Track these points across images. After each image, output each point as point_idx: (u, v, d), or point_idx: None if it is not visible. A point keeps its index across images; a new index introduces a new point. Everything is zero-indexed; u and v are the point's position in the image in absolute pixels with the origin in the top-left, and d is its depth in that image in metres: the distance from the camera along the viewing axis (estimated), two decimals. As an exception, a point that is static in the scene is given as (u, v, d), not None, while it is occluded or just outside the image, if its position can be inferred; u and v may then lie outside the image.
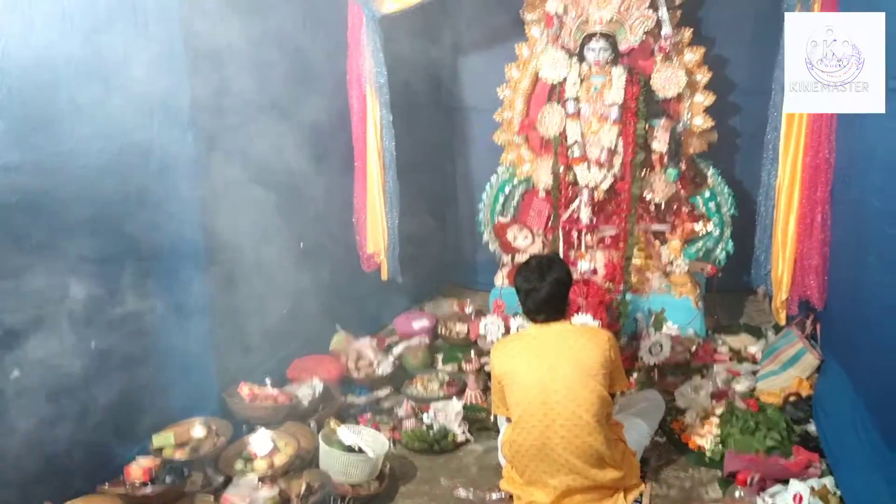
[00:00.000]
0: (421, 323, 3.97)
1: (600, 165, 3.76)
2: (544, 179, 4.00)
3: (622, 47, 3.74)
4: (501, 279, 4.06)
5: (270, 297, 3.22)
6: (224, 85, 2.86)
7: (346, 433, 2.72)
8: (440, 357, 3.77)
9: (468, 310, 4.14)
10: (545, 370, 2.36)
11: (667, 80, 3.71)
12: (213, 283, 2.90)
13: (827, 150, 2.96)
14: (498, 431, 2.79)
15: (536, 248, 4.09)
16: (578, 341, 2.42)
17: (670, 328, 3.66)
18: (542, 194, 4.08)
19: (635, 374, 3.40)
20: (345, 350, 3.58)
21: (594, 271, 3.77)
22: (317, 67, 3.43)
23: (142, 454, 2.63)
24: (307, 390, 3.08)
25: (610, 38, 3.69)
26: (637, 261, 3.93)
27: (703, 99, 3.88)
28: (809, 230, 3.09)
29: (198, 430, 2.80)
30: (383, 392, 3.37)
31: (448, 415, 3.05)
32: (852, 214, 2.73)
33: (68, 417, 2.38)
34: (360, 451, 2.68)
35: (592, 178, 3.80)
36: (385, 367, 3.47)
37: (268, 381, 3.08)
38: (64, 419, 2.37)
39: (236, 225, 2.97)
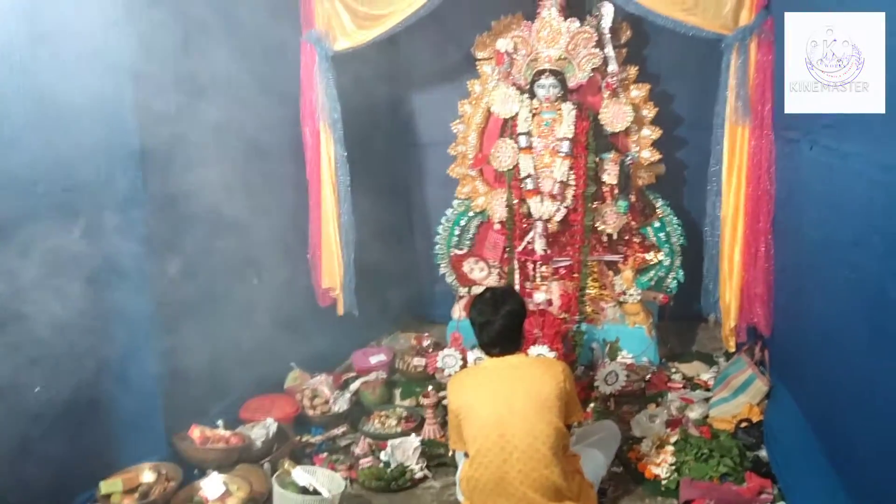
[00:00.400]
0: (378, 358, 3.94)
1: (553, 198, 3.83)
2: (499, 212, 4.06)
3: (571, 84, 3.84)
4: (459, 312, 4.06)
5: (223, 335, 3.16)
6: (174, 123, 2.84)
7: (301, 474, 2.66)
8: (398, 392, 3.73)
9: (426, 343, 4.12)
10: (501, 403, 2.36)
11: (615, 116, 3.83)
12: (161, 322, 2.83)
13: (767, 183, 3.08)
14: (456, 467, 2.77)
15: (493, 280, 4.12)
16: (534, 373, 2.43)
17: (625, 357, 3.71)
18: (497, 226, 4.15)
19: (592, 404, 3.43)
20: (300, 388, 3.52)
21: (550, 302, 3.82)
22: (270, 104, 3.43)
23: (90, 502, 2.52)
24: (260, 431, 3.01)
25: (559, 75, 3.79)
26: (591, 291, 3.99)
27: (650, 133, 4.01)
28: (754, 259, 3.20)
29: (147, 475, 2.71)
30: (340, 430, 3.31)
31: (406, 451, 3.02)
32: (792, 244, 2.83)
33: (11, 466, 2.29)
34: (316, 492, 2.62)
35: (546, 210, 3.86)
36: (341, 404, 3.42)
37: (220, 422, 3.00)
38: (6, 468, 2.27)
39: (187, 262, 2.92)
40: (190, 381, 2.99)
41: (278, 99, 3.51)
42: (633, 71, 4.01)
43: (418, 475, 2.95)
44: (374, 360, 3.92)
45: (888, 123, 1.84)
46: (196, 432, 2.90)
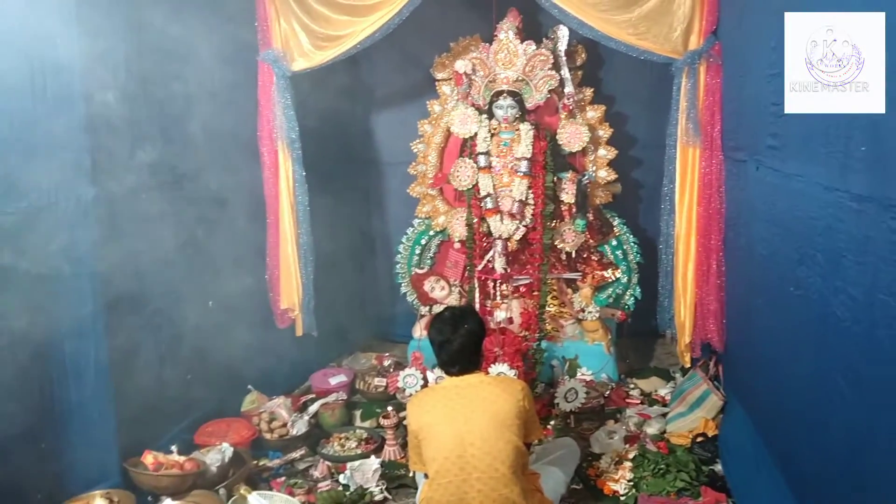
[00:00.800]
0: (338, 379, 3.90)
1: (512, 217, 3.87)
2: (459, 231, 4.09)
3: (529, 105, 3.90)
4: (420, 331, 4.05)
5: (177, 359, 3.10)
6: (128, 144, 2.81)
7: (257, 499, 2.62)
8: (358, 413, 3.70)
9: (387, 363, 4.10)
10: (461, 423, 2.35)
11: (572, 136, 3.89)
12: (114, 346, 2.76)
13: (718, 202, 3.16)
14: (416, 488, 2.74)
15: (453, 299, 4.13)
16: (493, 392, 2.43)
17: (584, 374, 3.75)
18: (457, 245, 4.16)
19: (552, 422, 3.45)
20: (257, 411, 3.46)
21: (510, 320, 3.84)
22: (227, 124, 3.41)
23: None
24: (216, 456, 2.95)
25: (517, 96, 3.85)
26: (551, 309, 4.03)
27: (606, 153, 4.09)
28: (706, 276, 3.27)
29: (99, 502, 2.63)
30: (298, 453, 3.26)
31: (365, 473, 2.99)
32: (743, 261, 2.91)
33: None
34: (273, 517, 2.57)
35: (505, 229, 3.90)
36: (300, 427, 3.37)
37: (174, 448, 2.93)
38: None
39: (141, 284, 2.87)
40: (143, 406, 2.93)
41: (235, 118, 3.48)
42: (588, 92, 4.09)
43: (378, 497, 2.92)
44: (333, 381, 3.88)
45: (827, 144, 1.92)
46: (149, 458, 2.83)
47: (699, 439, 3.12)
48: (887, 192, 1.57)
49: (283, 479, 3.07)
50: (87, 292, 2.67)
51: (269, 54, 3.57)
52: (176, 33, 3.02)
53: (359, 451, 3.27)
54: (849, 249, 1.78)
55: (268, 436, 3.33)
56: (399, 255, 4.39)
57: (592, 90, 4.10)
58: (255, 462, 3.16)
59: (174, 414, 3.17)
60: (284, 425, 3.38)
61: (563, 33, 3.82)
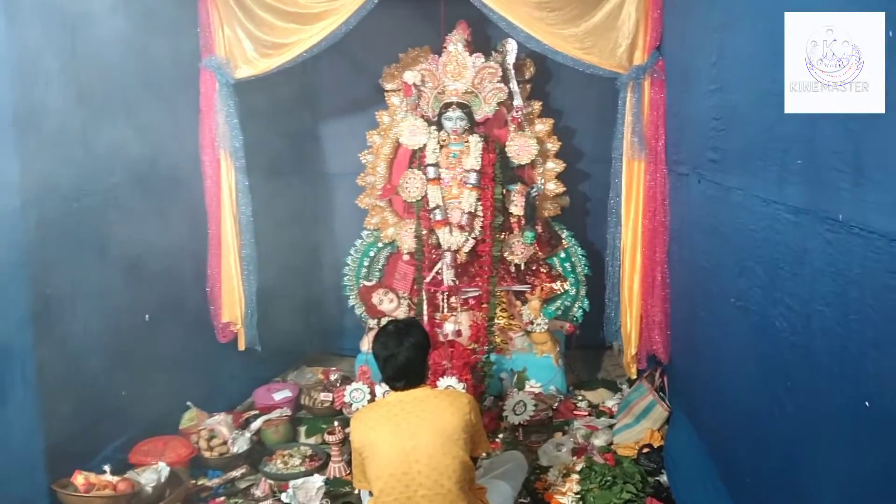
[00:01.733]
0: (283, 394, 3.80)
1: (461, 228, 3.86)
2: (408, 242, 4.05)
3: (478, 117, 3.90)
4: (367, 344, 3.99)
5: (112, 374, 2.96)
6: (60, 151, 2.68)
7: (194, 521, 2.50)
8: (303, 430, 3.60)
9: (334, 377, 4.01)
10: (406, 439, 2.30)
11: (520, 148, 3.91)
12: (42, 360, 2.61)
13: (662, 215, 3.21)
14: (361, 507, 2.68)
15: (402, 311, 4.08)
16: (439, 406, 2.39)
17: (533, 386, 3.74)
18: (406, 257, 4.13)
19: (501, 435, 3.42)
20: (196, 428, 3.33)
21: (459, 333, 3.81)
22: (166, 131, 3.30)
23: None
24: (151, 475, 2.82)
25: (466, 108, 3.85)
26: (500, 321, 4.02)
27: (555, 166, 4.12)
28: (652, 288, 3.31)
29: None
30: (239, 472, 3.15)
31: (308, 492, 2.90)
32: (686, 273, 2.95)
33: None
34: (210, 539, 2.47)
35: (454, 240, 3.88)
36: (241, 445, 3.26)
37: (106, 467, 2.79)
38: None
39: (72, 297, 2.73)
40: (74, 423, 2.78)
41: (175, 125, 3.38)
42: (537, 106, 4.12)
43: (322, 516, 2.84)
44: (278, 396, 3.77)
45: (764, 158, 1.96)
46: (80, 478, 2.69)
47: (645, 450, 3.14)
48: (823, 204, 1.60)
49: (222, 498, 2.96)
50: (14, 305, 2.53)
51: (212, 61, 3.47)
52: (113, 38, 2.92)
53: (303, 469, 3.18)
54: (786, 261, 1.81)
55: (207, 454, 3.21)
56: (347, 267, 4.32)
57: (541, 103, 4.14)
58: (193, 482, 3.04)
59: (107, 432, 3.02)
60: (225, 443, 3.27)
61: (511, 46, 3.85)
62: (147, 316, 3.17)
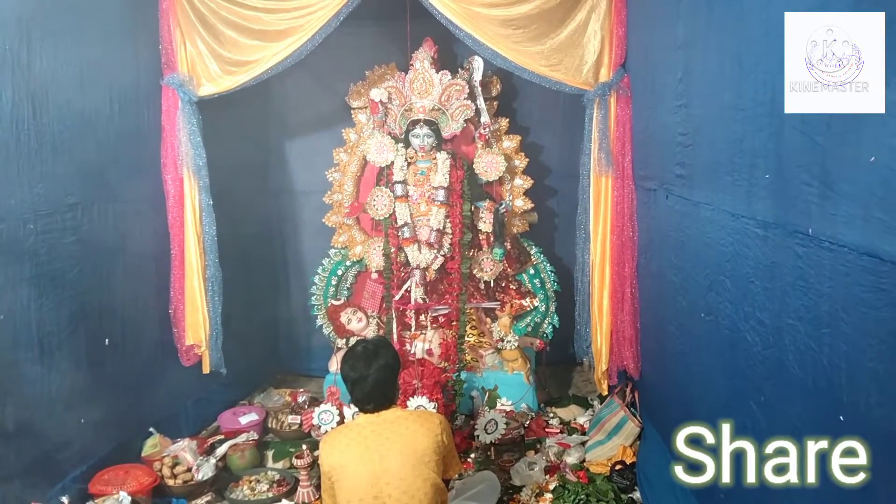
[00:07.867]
0: (249, 418, 3.70)
1: (430, 246, 3.83)
2: (376, 261, 4.01)
3: (445, 134, 3.90)
4: (336, 364, 3.91)
5: (70, 399, 2.84)
6: (15, 169, 2.58)
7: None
8: (271, 454, 3.51)
9: (301, 399, 3.93)
10: (376, 462, 2.25)
11: (488, 165, 3.91)
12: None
13: (630, 230, 3.22)
14: (331, 532, 2.60)
15: (371, 331, 4.02)
16: (409, 427, 2.34)
17: (504, 405, 3.70)
18: (374, 276, 4.08)
19: (472, 455, 3.38)
20: (159, 455, 3.22)
21: (429, 352, 3.77)
22: (126, 150, 3.22)
23: None
24: (111, 507, 2.71)
25: (433, 125, 3.84)
26: (470, 338, 3.98)
27: (523, 182, 4.13)
28: (621, 304, 3.32)
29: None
30: (203, 500, 3.05)
31: (276, 519, 2.82)
32: (655, 289, 2.96)
33: None
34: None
35: (423, 258, 3.85)
36: (206, 471, 3.16)
37: (64, 498, 2.67)
38: None
39: (27, 320, 2.63)
40: (31, 453, 2.66)
41: (136, 143, 3.29)
42: (504, 123, 4.13)
43: (290, 544, 2.76)
44: (244, 420, 3.68)
45: (732, 172, 1.98)
46: (34, 514, 2.57)
47: (618, 467, 3.12)
48: (791, 218, 1.61)
49: (185, 529, 2.85)
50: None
51: (174, 78, 3.40)
52: (70, 53, 2.84)
53: (270, 495, 3.09)
54: (756, 275, 1.82)
55: (171, 482, 3.10)
56: (314, 287, 4.25)
57: (508, 120, 4.15)
58: (156, 512, 2.93)
59: (66, 461, 2.90)
60: (189, 470, 3.16)
61: (478, 64, 3.86)
62: (107, 340, 3.06)
